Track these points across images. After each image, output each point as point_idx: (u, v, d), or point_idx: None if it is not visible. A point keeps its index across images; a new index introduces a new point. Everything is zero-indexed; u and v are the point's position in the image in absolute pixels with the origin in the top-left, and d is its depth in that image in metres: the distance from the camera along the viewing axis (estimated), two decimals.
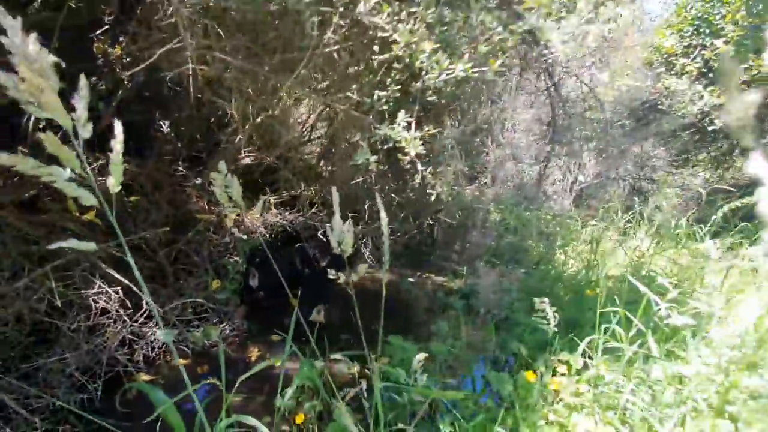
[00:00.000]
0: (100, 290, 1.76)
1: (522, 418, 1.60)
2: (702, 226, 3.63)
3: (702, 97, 4.53)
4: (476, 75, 1.05)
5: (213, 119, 2.40)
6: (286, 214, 2.94)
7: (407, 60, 1.03)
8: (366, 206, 2.90)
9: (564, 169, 7.16)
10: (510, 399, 1.80)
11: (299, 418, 1.62)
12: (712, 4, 4.38)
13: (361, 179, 2.68)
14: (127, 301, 1.84)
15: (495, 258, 4.18)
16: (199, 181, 2.93)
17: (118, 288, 1.79)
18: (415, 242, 4.28)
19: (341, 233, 0.84)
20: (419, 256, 4.18)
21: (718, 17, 4.29)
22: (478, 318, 2.82)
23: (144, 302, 1.87)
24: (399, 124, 1.11)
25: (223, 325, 2.23)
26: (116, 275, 1.84)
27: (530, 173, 7.55)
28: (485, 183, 8.32)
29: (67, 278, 1.77)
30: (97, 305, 1.73)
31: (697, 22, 4.53)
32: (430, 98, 1.15)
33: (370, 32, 1.08)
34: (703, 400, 1.19)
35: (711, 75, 4.52)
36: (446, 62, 1.02)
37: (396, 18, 1.03)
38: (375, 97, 1.15)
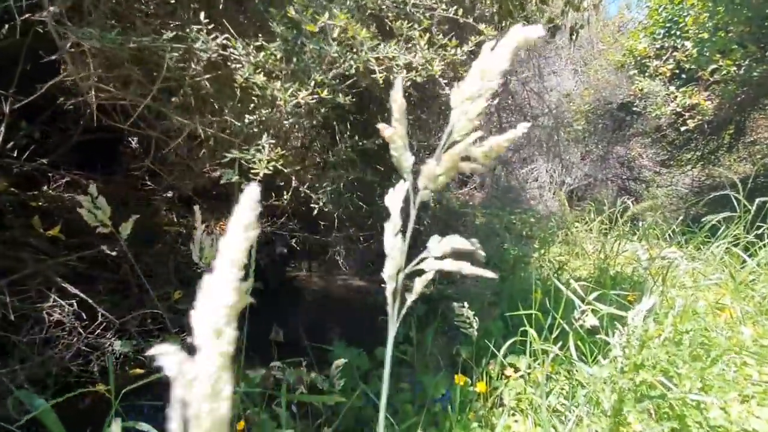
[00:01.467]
0: (54, 303, 1.83)
1: (457, 420, 1.66)
2: (674, 226, 3.67)
3: (676, 98, 4.57)
4: (314, 102, 1.13)
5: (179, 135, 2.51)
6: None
7: (259, 90, 1.11)
8: (336, 215, 3.00)
9: (551, 171, 7.19)
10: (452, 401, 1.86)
11: (240, 425, 1.68)
12: (681, 6, 4.43)
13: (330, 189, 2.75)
14: (83, 314, 1.91)
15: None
16: (170, 194, 3.02)
17: (73, 301, 1.87)
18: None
19: (203, 248, 0.93)
20: None
21: (686, 18, 4.34)
22: (440, 323, 2.87)
23: (100, 314, 1.95)
24: (258, 147, 1.18)
25: (185, 334, 2.29)
26: (73, 289, 1.92)
27: (518, 176, 7.59)
28: (474, 187, 8.38)
29: (23, 292, 1.84)
30: (52, 318, 1.81)
31: (668, 25, 4.58)
32: (285, 122, 1.22)
33: (229, 64, 1.16)
34: (606, 400, 1.24)
35: (683, 76, 4.57)
36: (289, 91, 1.09)
37: (247, 52, 1.10)
38: (246, 120, 1.22)
